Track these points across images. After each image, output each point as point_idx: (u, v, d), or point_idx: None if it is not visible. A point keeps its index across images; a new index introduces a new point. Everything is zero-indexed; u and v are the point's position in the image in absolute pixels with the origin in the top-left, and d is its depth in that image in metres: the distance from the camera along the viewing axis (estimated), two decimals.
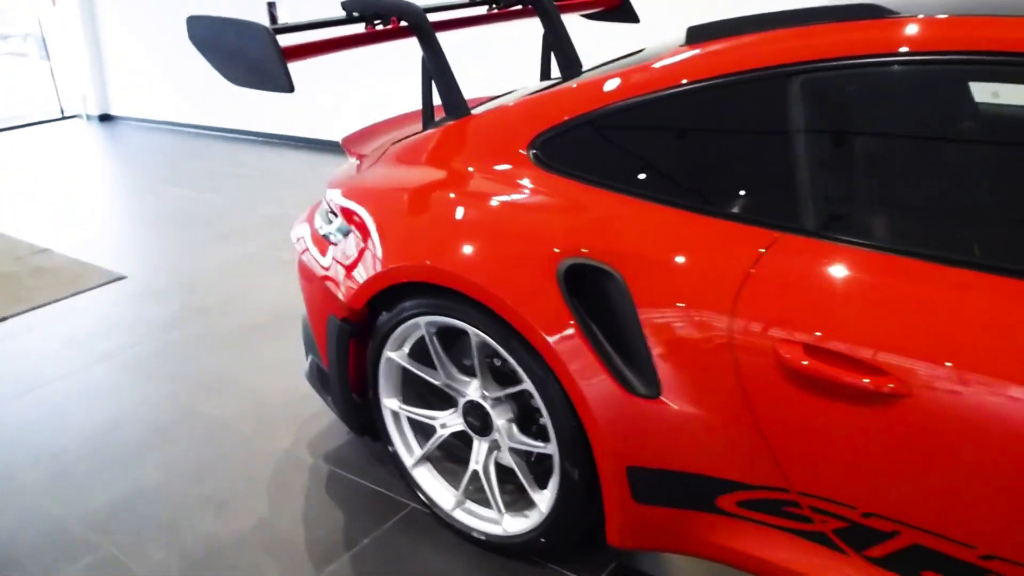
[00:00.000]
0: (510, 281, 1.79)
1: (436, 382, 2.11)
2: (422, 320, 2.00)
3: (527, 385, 1.86)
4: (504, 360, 2.02)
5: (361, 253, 2.10)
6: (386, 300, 2.08)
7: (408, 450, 2.24)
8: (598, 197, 1.81)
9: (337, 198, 2.30)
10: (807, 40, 1.61)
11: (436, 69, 2.32)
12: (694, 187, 1.71)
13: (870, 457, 1.47)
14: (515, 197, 1.91)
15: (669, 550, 1.84)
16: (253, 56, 2.09)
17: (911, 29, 1.52)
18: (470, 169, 2.04)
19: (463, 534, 2.16)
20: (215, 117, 7.78)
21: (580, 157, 1.89)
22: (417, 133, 2.34)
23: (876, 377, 1.42)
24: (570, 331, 1.72)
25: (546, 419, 1.86)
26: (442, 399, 2.29)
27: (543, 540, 1.99)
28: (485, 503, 2.14)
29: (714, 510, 1.71)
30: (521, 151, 1.96)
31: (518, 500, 2.11)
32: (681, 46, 1.82)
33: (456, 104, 2.33)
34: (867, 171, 1.57)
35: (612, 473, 1.76)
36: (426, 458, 2.24)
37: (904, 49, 1.51)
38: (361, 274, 2.07)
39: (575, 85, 1.96)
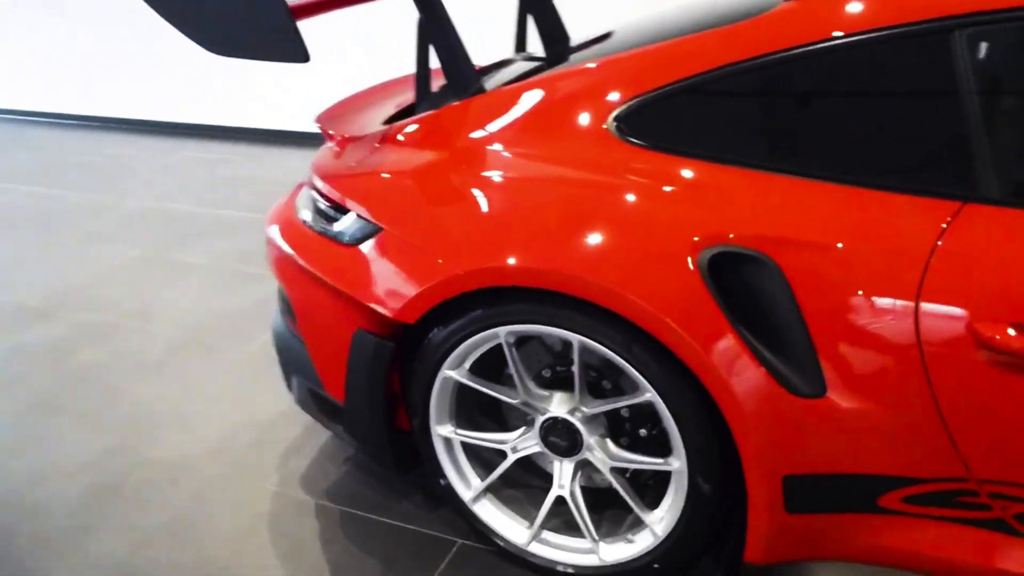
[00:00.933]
0: (643, 278, 1.50)
1: (513, 401, 1.80)
2: (503, 330, 1.68)
3: (649, 395, 1.59)
4: (598, 372, 1.75)
5: (408, 256, 1.73)
6: (439, 311, 1.74)
7: (465, 482, 1.91)
8: (725, 175, 1.56)
9: (343, 191, 1.90)
10: None
11: (440, 33, 1.96)
12: (850, 158, 1.50)
13: None
14: (616, 180, 1.62)
15: (814, 558, 1.66)
16: (253, 18, 1.65)
17: None
18: (534, 151, 1.73)
19: (544, 569, 1.87)
20: (40, 100, 6.71)
21: (688, 128, 1.62)
22: (417, 110, 1.99)
23: None
24: (721, 329, 1.47)
25: (672, 432, 1.60)
26: (495, 420, 1.98)
27: (657, 566, 1.75)
28: (569, 531, 1.86)
29: (875, 510, 1.54)
30: (604, 126, 1.67)
31: (610, 524, 1.85)
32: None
33: (467, 75, 2.00)
34: None
35: (764, 484, 1.54)
36: (487, 489, 1.92)
37: None
38: (413, 282, 1.71)
39: (663, 45, 1.69)
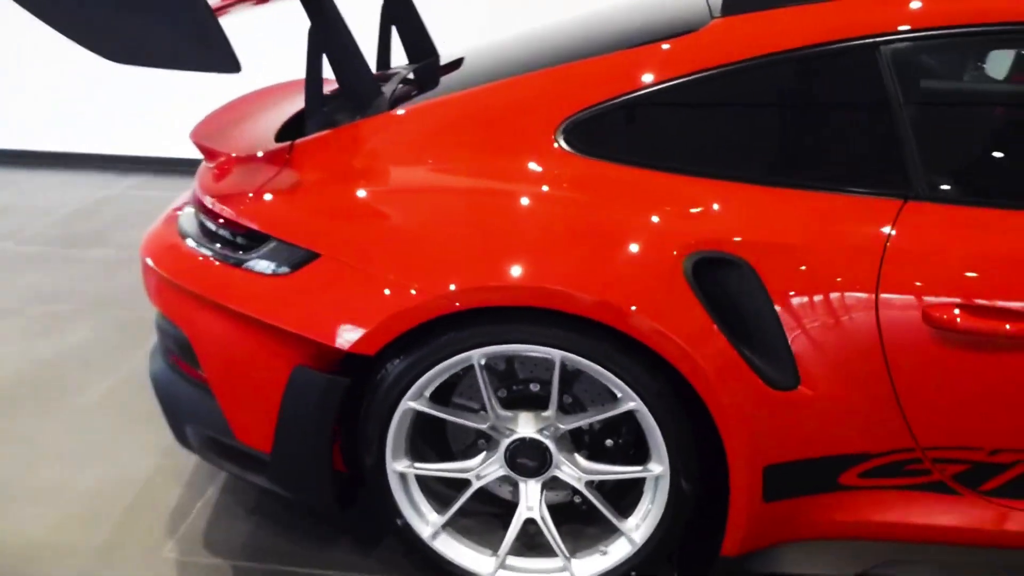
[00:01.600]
0: (635, 289, 1.51)
1: (481, 426, 1.72)
2: (476, 353, 1.60)
3: (632, 404, 1.60)
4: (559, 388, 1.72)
5: (360, 284, 1.60)
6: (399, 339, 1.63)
7: (422, 519, 1.80)
8: (689, 185, 1.60)
9: (258, 217, 1.72)
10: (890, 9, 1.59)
11: (333, 40, 1.84)
12: (802, 164, 1.61)
13: (1006, 398, 1.55)
14: (585, 195, 1.61)
15: (777, 543, 1.75)
16: (170, 23, 1.44)
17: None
18: (483, 167, 1.68)
19: None
20: None
21: (642, 140, 1.66)
22: (309, 125, 1.86)
23: (1017, 322, 1.48)
24: (708, 332, 1.51)
25: (654, 437, 1.62)
26: (436, 450, 1.89)
27: (634, 574, 1.76)
28: (532, 553, 1.82)
29: (835, 488, 1.66)
30: (554, 139, 1.65)
31: (573, 540, 1.82)
32: (719, 17, 1.68)
33: (369, 88, 1.90)
34: (973, 133, 1.62)
35: (746, 477, 1.60)
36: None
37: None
38: (371, 310, 1.58)
39: (606, 58, 1.71)
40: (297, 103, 2.19)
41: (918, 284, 1.51)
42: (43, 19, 1.52)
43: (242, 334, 1.75)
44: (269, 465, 1.81)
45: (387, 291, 1.58)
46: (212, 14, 1.51)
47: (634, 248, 1.54)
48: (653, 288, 1.51)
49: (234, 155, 1.91)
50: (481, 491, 1.84)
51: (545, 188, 1.63)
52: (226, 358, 1.81)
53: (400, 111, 1.83)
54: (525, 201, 1.62)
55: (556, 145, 1.65)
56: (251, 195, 1.78)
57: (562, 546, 1.76)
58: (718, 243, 1.53)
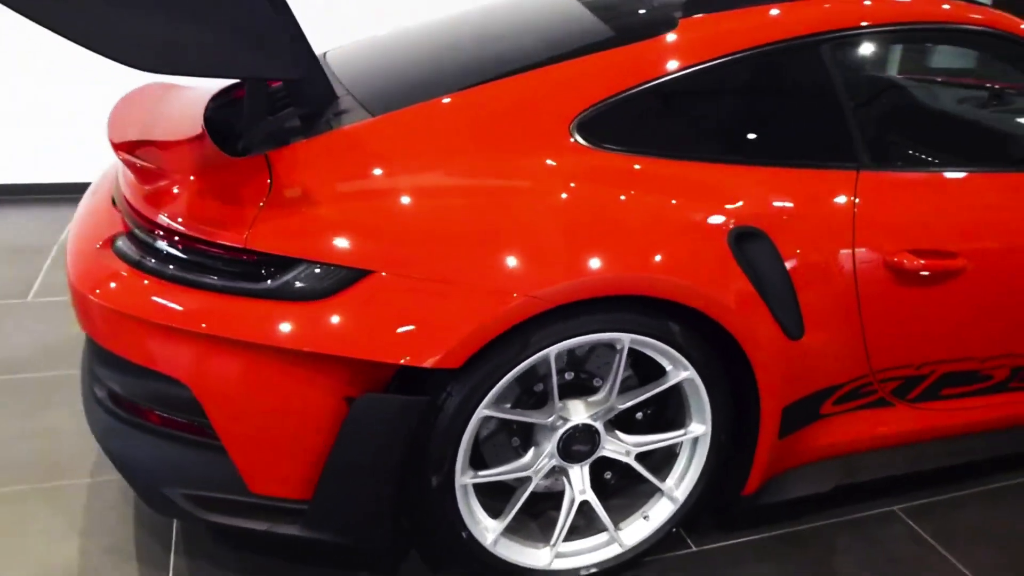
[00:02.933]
0: (704, 269, 1.67)
1: (545, 420, 1.74)
2: (553, 350, 1.63)
3: (686, 374, 1.75)
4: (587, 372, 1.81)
5: (435, 297, 1.54)
6: None
7: (481, 527, 1.77)
8: (707, 170, 1.79)
9: (280, 240, 1.56)
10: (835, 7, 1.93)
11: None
12: (785, 145, 1.87)
13: (937, 321, 1.99)
14: (630, 188, 1.71)
15: (774, 475, 2.02)
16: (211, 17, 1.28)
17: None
18: (496, 166, 1.71)
19: None
20: None
21: (647, 130, 1.80)
22: (250, 128, 1.74)
23: (957, 259, 1.92)
24: (751, 297, 1.72)
25: (700, 401, 1.79)
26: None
27: (674, 530, 1.92)
28: (573, 535, 1.88)
29: (818, 417, 1.99)
30: (564, 134, 1.73)
31: (610, 513, 1.91)
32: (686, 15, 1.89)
33: (325, 87, 1.84)
34: (901, 114, 2.02)
35: (772, 419, 1.84)
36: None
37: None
38: (457, 321, 1.53)
39: (606, 54, 1.82)
40: (184, 103, 2.03)
41: (879, 237, 1.86)
42: (64, 33, 1.24)
43: (269, 372, 1.59)
44: (310, 511, 1.66)
45: (471, 300, 1.54)
46: (273, 15, 1.35)
47: (690, 231, 1.69)
48: (711, 264, 1.68)
49: (182, 171, 1.68)
50: (504, 487, 1.85)
51: (580, 183, 1.70)
52: (246, 403, 1.61)
53: (402, 111, 1.75)
54: (581, 196, 1.68)
55: (572, 140, 1.73)
56: (252, 217, 1.59)
57: (608, 519, 1.85)
58: (746, 219, 1.74)
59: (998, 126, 2.42)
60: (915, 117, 2.28)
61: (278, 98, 1.96)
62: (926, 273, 1.89)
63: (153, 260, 1.63)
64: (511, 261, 1.57)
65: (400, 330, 1.53)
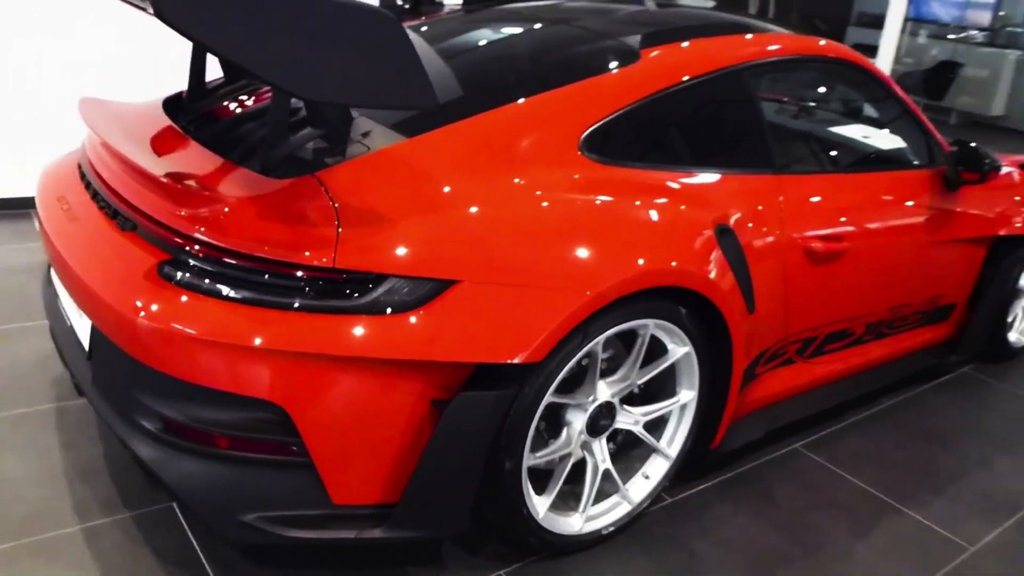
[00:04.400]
0: (707, 261, 2.02)
1: (587, 400, 1.98)
2: (602, 337, 1.89)
3: (686, 349, 2.09)
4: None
5: (519, 299, 1.74)
6: None
7: (533, 503, 1.98)
8: (690, 176, 2.15)
9: (367, 258, 1.68)
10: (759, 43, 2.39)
11: None
12: (737, 155, 2.29)
13: (836, 290, 2.54)
14: (637, 196, 2.02)
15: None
16: (368, 54, 1.42)
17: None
18: (520, 180, 1.94)
19: (591, 543, 2.13)
20: None
21: (638, 146, 2.12)
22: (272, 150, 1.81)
23: (842, 243, 2.47)
24: (732, 281, 2.11)
25: (690, 371, 2.15)
26: None
27: (667, 483, 2.26)
28: (597, 500, 2.15)
29: (754, 376, 2.45)
30: (573, 147, 2.01)
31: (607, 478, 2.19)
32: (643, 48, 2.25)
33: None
34: (798, 129, 2.51)
35: (738, 381, 2.26)
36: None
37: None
38: (540, 319, 1.74)
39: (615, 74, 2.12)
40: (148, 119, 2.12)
41: (798, 227, 2.34)
42: (243, 63, 1.28)
43: (361, 385, 1.69)
44: (397, 512, 1.77)
45: (549, 299, 1.75)
46: (414, 49, 1.47)
47: (696, 230, 2.03)
48: (709, 257, 2.03)
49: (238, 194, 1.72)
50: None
51: (602, 193, 1.98)
52: (338, 418, 1.69)
53: (437, 131, 1.90)
54: (609, 204, 1.95)
55: (581, 156, 2.00)
56: (333, 238, 1.67)
57: (621, 481, 2.15)
58: (721, 218, 2.12)
59: (861, 138, 3.06)
60: (801, 131, 2.85)
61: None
62: (825, 254, 2.41)
63: (222, 285, 1.65)
64: (577, 263, 1.80)
65: (491, 332, 1.71)
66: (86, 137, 2.28)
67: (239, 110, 2.21)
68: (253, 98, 2.29)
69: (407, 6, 3.16)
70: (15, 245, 3.65)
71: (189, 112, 2.25)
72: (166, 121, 2.15)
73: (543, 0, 3.00)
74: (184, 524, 2.05)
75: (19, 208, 4.08)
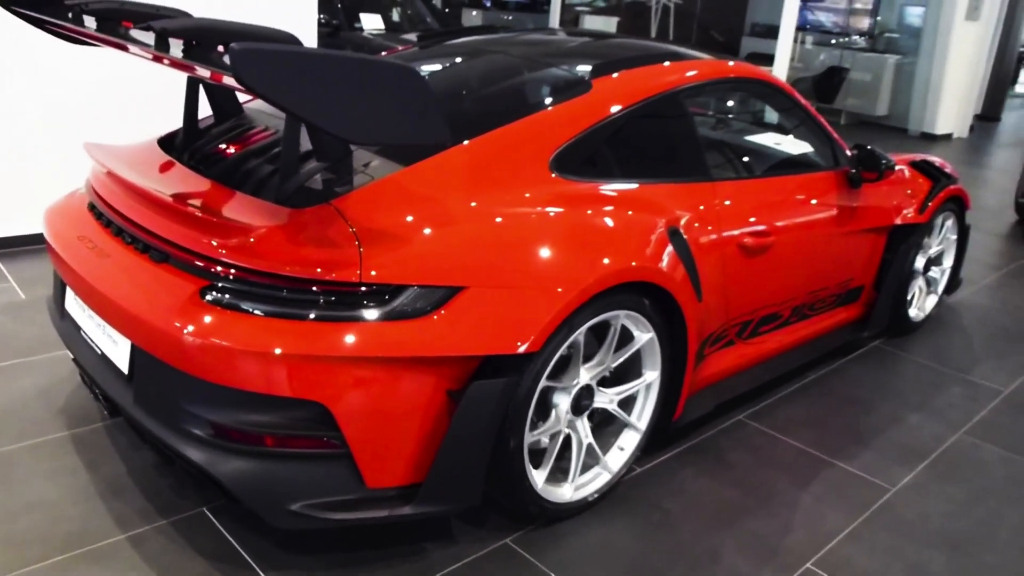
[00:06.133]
0: (662, 258, 2.37)
1: (570, 384, 2.30)
2: (584, 328, 2.22)
3: (649, 335, 2.44)
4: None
5: (517, 299, 2.06)
6: None
7: (531, 475, 2.28)
8: (644, 187, 2.51)
9: (391, 271, 1.97)
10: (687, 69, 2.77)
11: None
12: (678, 166, 2.66)
13: (766, 279, 2.95)
14: (602, 206, 2.36)
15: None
16: (395, 103, 1.72)
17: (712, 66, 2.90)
18: (513, 198, 2.27)
19: (580, 509, 2.45)
20: None
21: (598, 163, 2.47)
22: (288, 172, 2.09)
23: (769, 237, 2.88)
24: (683, 273, 2.47)
25: (654, 354, 2.50)
26: None
27: (639, 455, 2.60)
28: (581, 472, 2.47)
29: (703, 357, 2.83)
30: (544, 167, 2.34)
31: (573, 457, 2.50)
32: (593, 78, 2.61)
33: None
34: (720, 139, 2.90)
35: (694, 359, 2.62)
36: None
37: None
38: (536, 314, 2.06)
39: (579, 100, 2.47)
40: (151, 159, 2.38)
41: (732, 225, 2.73)
42: (295, 110, 1.56)
43: (390, 381, 1.97)
44: (424, 490, 2.05)
45: (543, 297, 2.06)
46: (432, 95, 1.77)
47: (652, 233, 2.38)
48: (664, 254, 2.39)
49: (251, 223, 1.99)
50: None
51: (572, 205, 2.31)
52: (372, 411, 1.96)
53: (431, 159, 2.20)
54: (581, 214, 2.28)
55: (549, 173, 2.33)
56: (357, 256, 1.94)
57: (600, 451, 2.48)
58: (671, 221, 2.49)
59: (775, 145, 3.49)
60: (727, 142, 3.26)
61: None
62: (755, 248, 2.81)
63: (261, 304, 1.91)
64: (560, 265, 2.13)
65: (497, 328, 2.01)
66: (91, 178, 2.48)
67: (239, 146, 2.45)
68: (249, 135, 2.53)
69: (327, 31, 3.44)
70: None
71: (190, 150, 2.47)
72: (173, 160, 2.38)
73: (491, 34, 3.33)
74: (218, 524, 2.27)
75: None
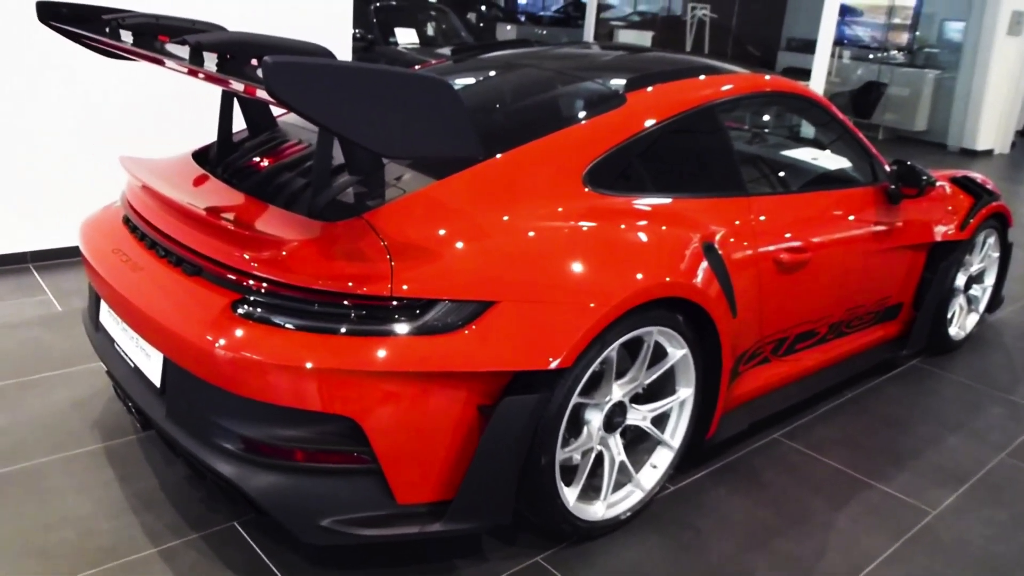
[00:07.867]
0: (696, 273, 2.34)
1: (604, 400, 2.27)
2: (617, 343, 2.19)
3: (683, 352, 2.41)
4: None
5: (549, 314, 2.04)
6: None
7: (563, 493, 2.25)
8: (679, 202, 2.48)
9: (421, 285, 1.96)
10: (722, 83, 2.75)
11: None
12: (713, 181, 2.63)
13: (802, 295, 2.90)
14: (636, 221, 2.34)
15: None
16: (428, 116, 1.71)
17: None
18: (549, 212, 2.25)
19: (612, 528, 2.41)
20: None
21: (631, 177, 2.45)
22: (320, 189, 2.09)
23: (805, 253, 2.83)
24: (718, 289, 2.44)
25: (688, 370, 2.46)
26: None
27: (672, 472, 2.56)
28: (613, 490, 2.44)
29: (738, 374, 2.78)
30: (578, 181, 2.32)
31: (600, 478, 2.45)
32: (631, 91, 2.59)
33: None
34: (762, 157, 2.87)
35: (728, 376, 2.58)
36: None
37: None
38: (568, 329, 2.04)
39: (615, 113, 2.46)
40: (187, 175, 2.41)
41: (768, 241, 2.69)
42: (327, 123, 1.56)
43: (421, 396, 1.96)
44: (454, 507, 2.02)
45: (575, 313, 2.04)
46: (464, 109, 1.76)
47: (687, 248, 2.35)
48: (702, 270, 2.36)
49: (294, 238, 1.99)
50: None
51: (607, 220, 2.29)
52: (402, 426, 1.95)
53: (463, 172, 2.19)
54: (623, 229, 2.27)
55: (582, 187, 2.31)
56: (388, 271, 1.94)
57: (633, 470, 2.44)
58: (706, 236, 2.45)
59: (812, 160, 3.45)
60: (764, 157, 3.23)
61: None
62: (791, 264, 2.76)
63: (293, 317, 1.91)
64: (593, 281, 2.11)
65: (529, 344, 1.99)
66: (125, 191, 2.51)
67: (273, 160, 2.47)
68: (282, 148, 2.55)
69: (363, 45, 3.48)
70: (24, 299, 3.81)
71: (224, 164, 2.50)
72: (207, 174, 2.40)
73: (525, 48, 3.33)
74: (248, 539, 2.27)
75: (18, 263, 4.23)
